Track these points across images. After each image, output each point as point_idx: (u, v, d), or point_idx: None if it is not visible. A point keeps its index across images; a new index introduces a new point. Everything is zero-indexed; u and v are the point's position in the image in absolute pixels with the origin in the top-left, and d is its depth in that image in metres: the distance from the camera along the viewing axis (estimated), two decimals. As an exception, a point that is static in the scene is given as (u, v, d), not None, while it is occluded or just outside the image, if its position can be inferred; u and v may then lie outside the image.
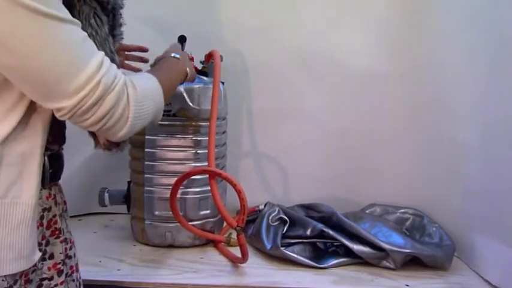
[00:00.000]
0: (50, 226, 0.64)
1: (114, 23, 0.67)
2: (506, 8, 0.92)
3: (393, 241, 0.98)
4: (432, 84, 1.13)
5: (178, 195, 0.97)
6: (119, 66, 0.63)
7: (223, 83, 1.13)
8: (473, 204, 1.00)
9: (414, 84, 1.18)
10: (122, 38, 0.71)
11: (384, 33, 1.20)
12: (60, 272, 0.65)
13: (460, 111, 1.06)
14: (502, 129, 0.91)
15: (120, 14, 0.69)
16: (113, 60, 0.61)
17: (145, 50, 1.01)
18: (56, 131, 0.62)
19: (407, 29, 1.17)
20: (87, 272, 0.74)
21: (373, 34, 1.21)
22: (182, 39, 1.05)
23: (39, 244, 0.61)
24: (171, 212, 0.97)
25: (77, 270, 0.72)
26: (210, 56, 1.06)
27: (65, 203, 0.69)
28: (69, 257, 0.69)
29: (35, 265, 0.60)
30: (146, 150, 1.03)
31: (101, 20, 0.62)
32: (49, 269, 0.64)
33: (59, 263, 0.65)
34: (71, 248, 0.69)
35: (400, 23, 1.18)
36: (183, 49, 1.08)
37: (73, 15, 0.58)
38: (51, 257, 0.65)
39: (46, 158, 0.60)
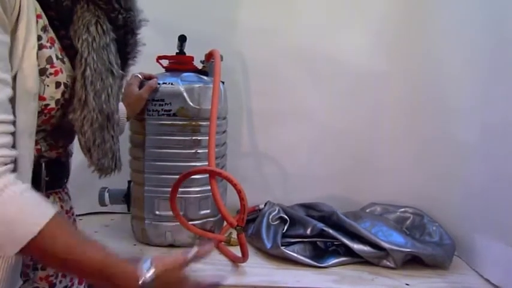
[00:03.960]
0: None
1: (126, 41, 0.64)
2: (506, 8, 0.92)
3: (393, 240, 0.98)
4: (432, 84, 1.14)
5: (179, 195, 0.97)
6: (119, 77, 0.62)
7: (223, 82, 1.13)
8: (473, 203, 1.00)
9: (414, 84, 1.18)
10: (135, 57, 0.68)
11: (384, 32, 1.20)
12: (52, 285, 0.64)
13: (460, 110, 1.06)
14: (502, 128, 0.91)
15: (135, 34, 0.66)
16: (111, 72, 0.60)
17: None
18: (54, 138, 0.61)
19: (407, 28, 1.17)
20: (87, 272, 0.74)
21: (372, 34, 1.21)
22: (182, 39, 1.05)
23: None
24: (171, 212, 0.97)
25: (80, 283, 0.70)
26: (210, 56, 1.06)
27: (67, 212, 0.66)
28: None
29: (26, 275, 0.59)
30: (146, 149, 1.03)
31: (102, 29, 0.59)
32: (41, 279, 0.62)
33: (52, 276, 0.64)
34: None
35: (399, 23, 1.18)
36: (183, 48, 1.08)
37: (72, 20, 0.58)
38: (44, 267, 0.63)
39: (43, 165, 0.59)
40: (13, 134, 0.49)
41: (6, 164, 0.47)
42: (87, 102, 0.58)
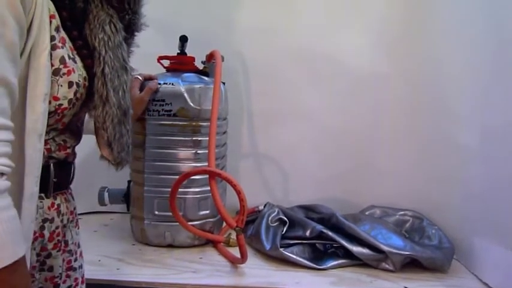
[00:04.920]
0: (52, 238, 0.62)
1: (125, 41, 0.65)
2: (506, 9, 0.91)
3: (392, 243, 0.98)
4: (432, 85, 1.13)
5: (178, 195, 0.97)
6: (131, 73, 0.63)
7: (224, 83, 1.13)
8: (472, 206, 1.00)
9: (414, 85, 1.18)
10: (129, 57, 0.68)
11: (384, 33, 1.20)
12: (56, 286, 0.64)
13: (460, 112, 1.06)
14: (502, 131, 0.91)
15: (134, 36, 0.68)
16: (125, 69, 0.62)
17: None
18: (63, 138, 0.61)
19: (408, 29, 1.17)
20: (86, 271, 0.74)
21: (373, 34, 1.21)
22: (183, 40, 1.05)
23: (38, 255, 0.60)
24: (170, 212, 0.98)
25: (83, 282, 0.70)
26: (211, 56, 1.06)
27: (71, 213, 0.66)
28: (74, 269, 0.67)
29: (32, 276, 0.59)
30: (147, 150, 1.03)
31: (115, 28, 0.61)
32: (46, 280, 0.63)
33: (57, 277, 0.64)
34: (76, 260, 0.68)
35: (400, 24, 1.18)
36: (184, 49, 1.08)
37: (88, 20, 0.59)
38: (50, 269, 0.63)
39: (51, 166, 0.59)
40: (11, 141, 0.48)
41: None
42: (108, 98, 0.59)
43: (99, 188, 1.09)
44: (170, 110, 1.01)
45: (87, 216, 1.26)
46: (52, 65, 0.53)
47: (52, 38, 0.53)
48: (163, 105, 1.01)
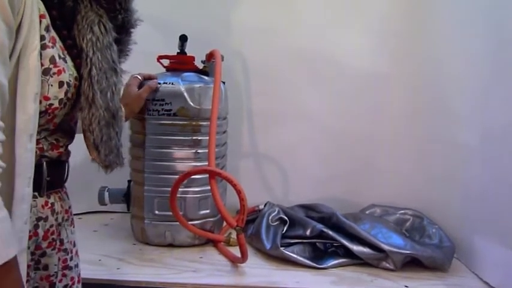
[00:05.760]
0: (46, 237, 0.62)
1: (120, 39, 0.65)
2: (506, 9, 0.92)
3: (393, 242, 0.98)
4: (432, 85, 1.14)
5: (178, 195, 0.98)
6: (121, 75, 0.62)
7: (224, 82, 1.13)
8: (473, 205, 1.00)
9: (415, 86, 1.18)
10: (127, 55, 0.69)
11: (385, 34, 1.20)
12: (52, 285, 0.64)
13: (460, 112, 1.06)
14: (503, 131, 0.91)
15: (130, 33, 0.67)
16: (114, 70, 0.61)
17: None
18: (55, 137, 0.61)
19: (408, 30, 1.17)
20: (86, 271, 0.74)
21: (374, 35, 1.21)
22: (183, 39, 1.05)
23: (32, 254, 0.60)
24: (171, 212, 0.97)
25: (79, 282, 0.70)
26: (211, 56, 1.06)
27: (66, 211, 0.66)
28: (70, 268, 0.67)
29: (27, 275, 0.58)
30: (147, 149, 1.03)
31: (105, 28, 0.60)
32: (41, 279, 0.63)
33: (52, 276, 0.64)
34: (72, 259, 0.67)
35: (401, 25, 1.18)
36: (183, 48, 1.08)
37: (76, 21, 0.58)
38: (45, 268, 0.63)
39: (44, 165, 0.59)
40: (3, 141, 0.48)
41: None
42: (95, 100, 0.59)
43: (99, 187, 1.09)
44: (170, 110, 1.01)
45: (87, 216, 1.26)
46: (42, 65, 0.53)
47: (42, 38, 0.53)
48: (163, 104, 1.01)
